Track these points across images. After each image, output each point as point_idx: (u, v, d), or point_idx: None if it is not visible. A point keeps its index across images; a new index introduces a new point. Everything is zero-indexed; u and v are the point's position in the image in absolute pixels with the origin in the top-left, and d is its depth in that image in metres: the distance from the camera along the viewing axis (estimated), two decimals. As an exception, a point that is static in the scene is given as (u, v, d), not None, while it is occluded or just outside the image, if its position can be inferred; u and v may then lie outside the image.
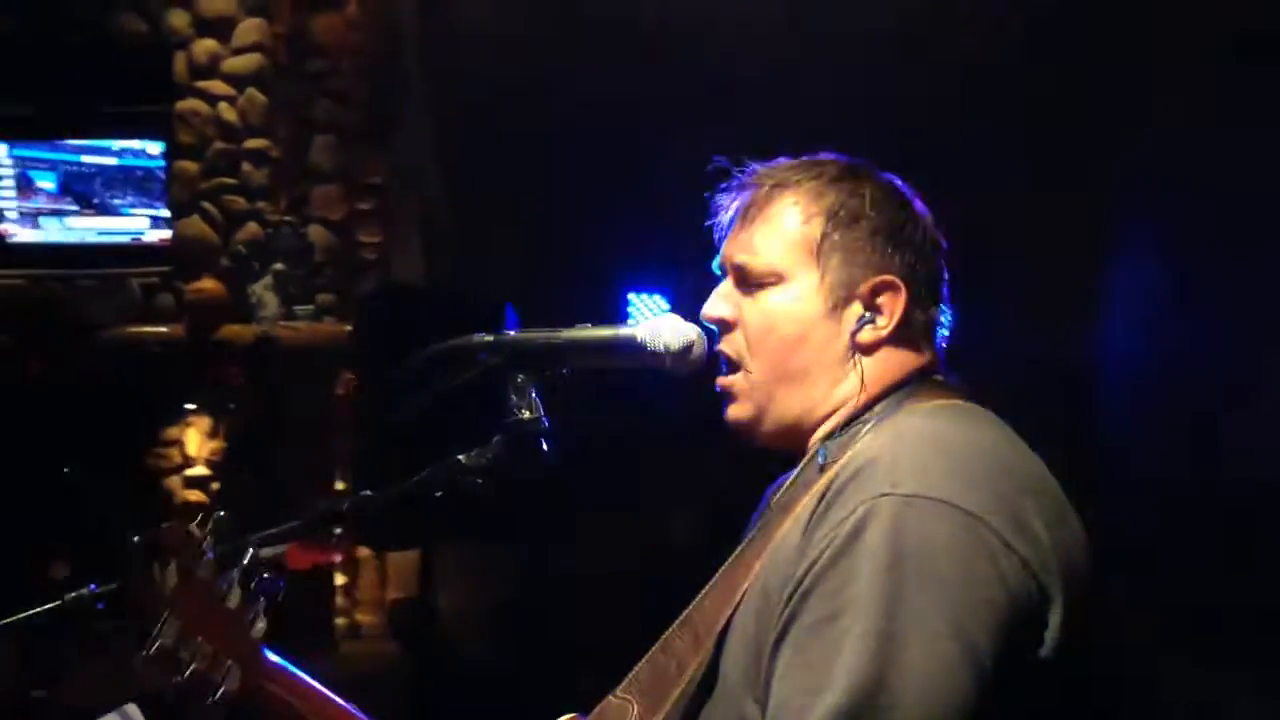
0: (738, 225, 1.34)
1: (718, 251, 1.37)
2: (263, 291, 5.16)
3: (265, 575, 1.19)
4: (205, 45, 5.25)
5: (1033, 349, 3.97)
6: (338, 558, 1.32)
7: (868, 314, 1.30)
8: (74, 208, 5.33)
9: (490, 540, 3.67)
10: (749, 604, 1.21)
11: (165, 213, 5.28)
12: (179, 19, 5.26)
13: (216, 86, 5.26)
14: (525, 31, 5.03)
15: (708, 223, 1.38)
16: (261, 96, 5.26)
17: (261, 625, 1.23)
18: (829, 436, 1.29)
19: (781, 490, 1.32)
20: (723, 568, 1.31)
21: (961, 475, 1.14)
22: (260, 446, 5.01)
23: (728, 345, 1.33)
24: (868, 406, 1.29)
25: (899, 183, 1.37)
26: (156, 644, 1.21)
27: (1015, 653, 1.09)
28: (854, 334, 1.29)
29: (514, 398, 1.23)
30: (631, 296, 4.22)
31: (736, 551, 1.31)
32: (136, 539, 1.18)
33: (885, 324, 1.30)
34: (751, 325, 1.31)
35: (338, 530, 1.23)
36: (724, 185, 1.37)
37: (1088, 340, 4.20)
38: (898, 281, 1.30)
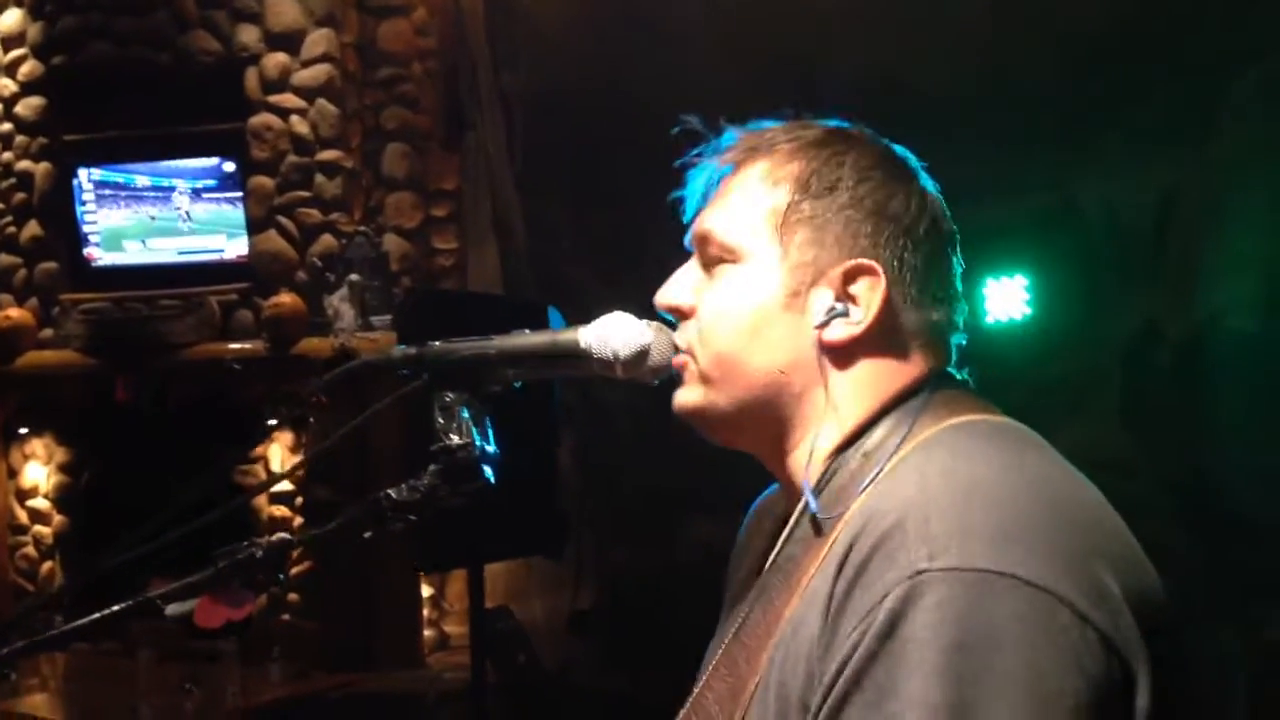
0: (711, 197, 1.11)
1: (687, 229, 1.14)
2: (339, 303, 5.12)
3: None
4: (275, 59, 5.24)
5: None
6: (250, 609, 1.17)
7: (839, 305, 1.03)
8: (154, 229, 5.36)
9: (546, 555, 3.53)
10: (762, 704, 0.98)
11: (242, 229, 5.28)
12: (249, 34, 5.26)
13: (288, 100, 5.25)
14: (596, 32, 4.92)
15: (676, 194, 1.14)
16: (332, 107, 5.23)
17: None
18: (820, 479, 1.03)
19: (778, 546, 1.06)
20: (718, 654, 1.07)
21: (1015, 532, 0.90)
22: (343, 460, 4.97)
23: (680, 336, 1.10)
24: (860, 431, 1.03)
25: (903, 154, 1.10)
26: None
27: None
28: (820, 327, 1.03)
29: (441, 420, 1.07)
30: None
31: (733, 628, 1.06)
32: None
33: (860, 319, 1.03)
34: (703, 312, 1.08)
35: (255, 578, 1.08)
36: (698, 150, 1.13)
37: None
38: (876, 267, 1.03)
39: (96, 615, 1.10)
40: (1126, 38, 3.85)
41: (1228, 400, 3.62)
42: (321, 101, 5.23)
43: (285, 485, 5.17)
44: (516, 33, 5.38)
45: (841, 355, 1.04)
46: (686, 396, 1.10)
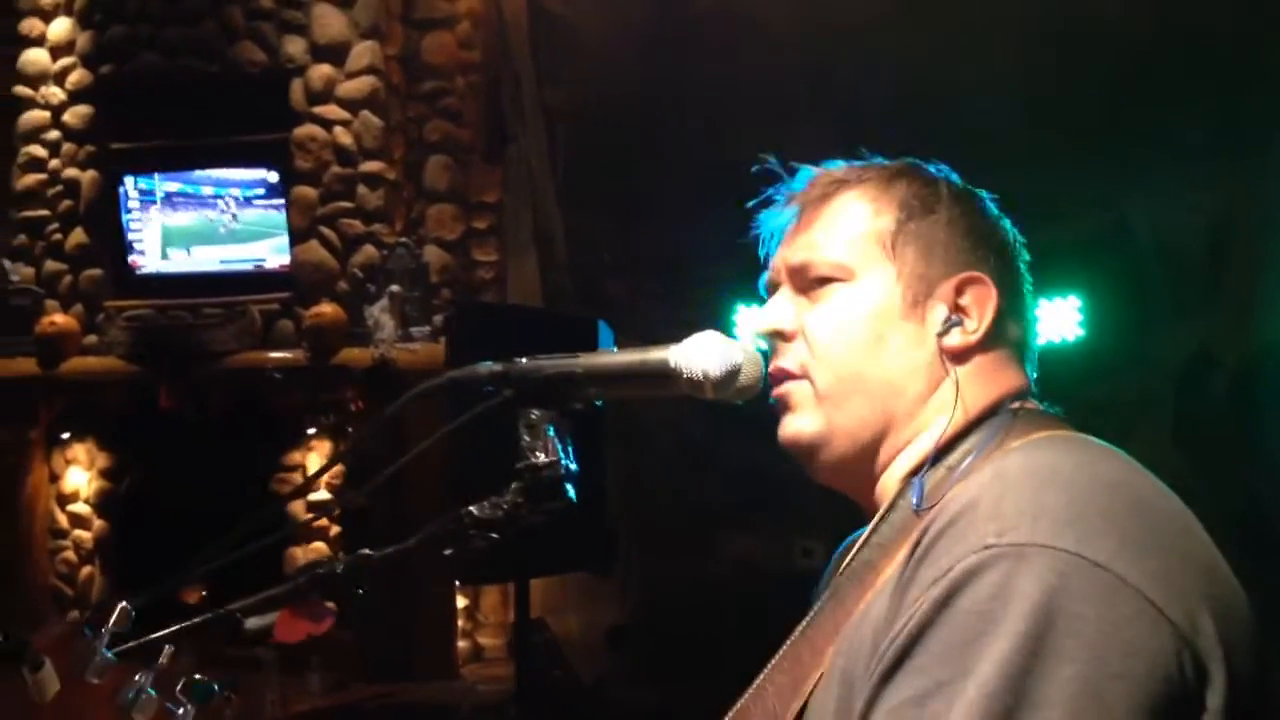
0: (792, 230, 1.13)
1: (765, 268, 1.16)
2: (380, 314, 5.14)
3: (197, 678, 1.01)
4: (321, 71, 5.28)
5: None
6: (329, 625, 1.17)
7: (954, 315, 1.07)
8: (199, 238, 5.40)
9: (593, 571, 3.52)
10: (824, 697, 0.98)
11: (285, 239, 5.31)
12: (295, 46, 5.30)
13: (332, 111, 5.28)
14: (638, 46, 4.93)
15: (752, 233, 1.16)
16: (375, 119, 5.26)
17: None
18: (914, 473, 1.04)
19: (853, 552, 1.06)
20: (782, 650, 1.06)
21: (1087, 516, 0.88)
22: (379, 469, 4.98)
23: (787, 359, 1.10)
24: (959, 435, 1.04)
25: (974, 190, 1.15)
26: None
27: None
28: (940, 335, 1.06)
29: (527, 438, 1.06)
30: (740, 308, 4.04)
31: (799, 630, 1.06)
32: (6, 638, 1.02)
33: (975, 327, 1.07)
34: (816, 331, 1.09)
35: (330, 604, 1.07)
36: (772, 189, 1.16)
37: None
38: (987, 279, 1.08)
39: (178, 626, 1.10)
40: (1177, 55, 3.83)
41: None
42: (365, 113, 5.26)
43: (322, 493, 5.19)
44: (559, 46, 5.40)
45: (956, 360, 1.07)
46: (801, 424, 1.10)
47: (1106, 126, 3.85)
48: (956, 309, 1.07)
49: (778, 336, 1.12)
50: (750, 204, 1.17)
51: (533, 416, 1.07)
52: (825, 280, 1.09)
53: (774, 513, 4.46)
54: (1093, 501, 0.90)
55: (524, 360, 1.10)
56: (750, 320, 3.99)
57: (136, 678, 1.01)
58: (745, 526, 4.77)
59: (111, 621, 1.04)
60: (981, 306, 1.07)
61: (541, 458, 1.06)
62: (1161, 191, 3.83)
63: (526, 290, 5.46)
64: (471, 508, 1.08)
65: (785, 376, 1.10)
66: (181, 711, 1.00)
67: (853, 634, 0.97)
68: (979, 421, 1.05)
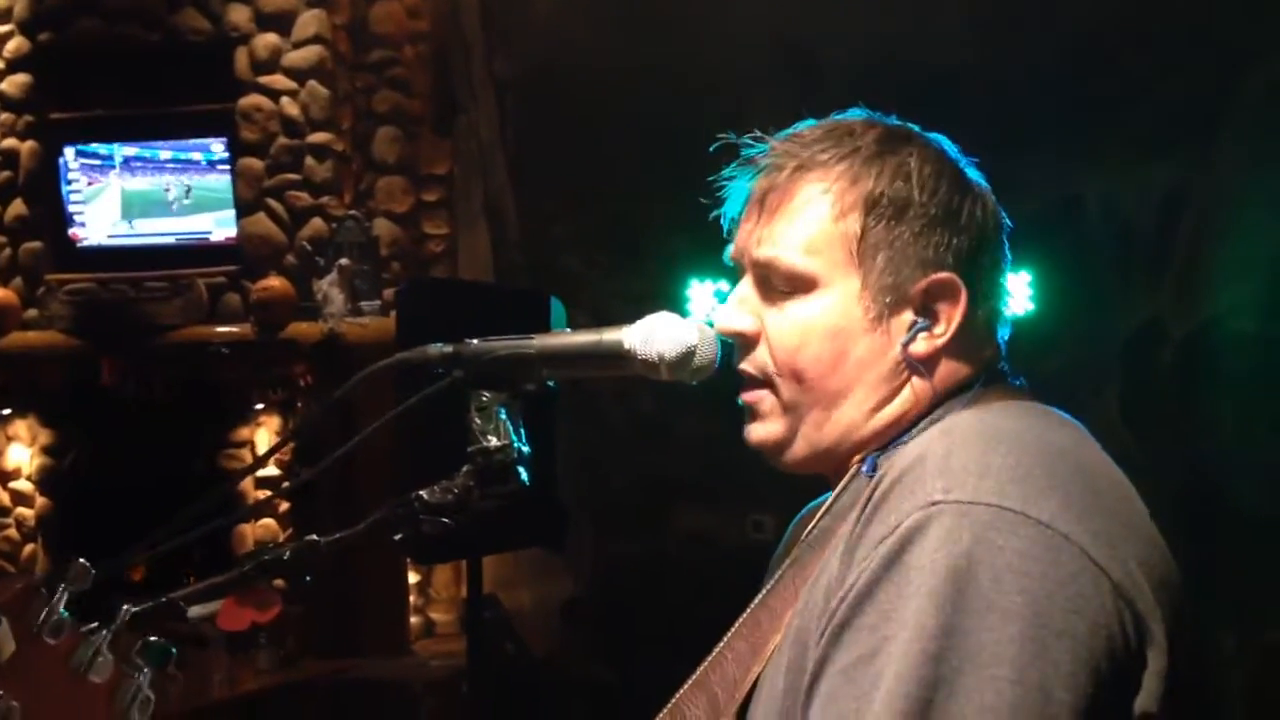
0: (754, 214, 1.10)
1: (729, 241, 1.13)
2: (328, 288, 5.07)
3: (152, 640, 0.98)
4: (266, 40, 5.18)
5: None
6: (275, 613, 1.14)
7: (921, 320, 1.06)
8: (141, 210, 5.30)
9: (545, 547, 3.51)
10: (778, 659, 1.00)
11: (231, 212, 5.22)
12: (239, 14, 5.19)
13: (278, 81, 5.18)
14: (590, 16, 4.88)
15: (716, 212, 1.13)
16: (323, 89, 5.17)
17: (146, 698, 0.98)
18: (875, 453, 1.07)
19: (814, 521, 1.08)
20: (742, 617, 1.07)
21: (1033, 477, 0.91)
22: (329, 447, 4.93)
23: (749, 363, 1.10)
24: (920, 418, 1.06)
25: (948, 147, 1.11)
26: None
27: (1105, 705, 0.86)
28: (906, 345, 1.05)
29: (478, 421, 1.04)
30: (694, 283, 4.02)
31: (758, 599, 1.07)
32: None
33: (943, 331, 1.06)
34: (777, 340, 1.08)
35: (278, 582, 1.05)
36: (736, 164, 1.12)
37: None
38: (956, 281, 1.06)
39: (122, 612, 1.07)
40: (1131, 35, 3.85)
41: (1228, 399, 3.63)
42: (312, 83, 5.17)
43: (271, 469, 5.13)
44: (510, 16, 5.33)
45: (924, 366, 1.07)
46: (768, 431, 1.10)
47: (1058, 102, 3.87)
48: (926, 313, 1.06)
49: (739, 338, 1.10)
50: (711, 178, 1.13)
51: (484, 398, 1.06)
52: (788, 289, 1.07)
53: (725, 486, 4.47)
54: (1038, 463, 0.93)
55: (475, 341, 1.08)
56: (708, 305, 3.99)
57: (92, 638, 0.99)
58: (697, 500, 4.78)
59: (68, 579, 1.01)
60: (950, 310, 1.06)
61: (493, 441, 1.04)
62: (1113, 167, 3.86)
63: (477, 264, 5.42)
64: (422, 492, 1.06)
65: (751, 383, 1.10)
66: (139, 677, 0.97)
67: (807, 595, 0.99)
68: (943, 401, 1.07)
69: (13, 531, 5.52)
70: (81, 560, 1.02)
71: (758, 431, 1.10)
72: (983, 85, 3.83)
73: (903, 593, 0.87)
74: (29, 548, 5.49)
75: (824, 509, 1.07)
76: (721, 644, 1.07)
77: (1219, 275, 3.79)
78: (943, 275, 1.05)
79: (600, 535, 4.93)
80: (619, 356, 1.08)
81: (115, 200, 5.31)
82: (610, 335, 1.08)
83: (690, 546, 4.76)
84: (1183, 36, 3.83)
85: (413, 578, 5.28)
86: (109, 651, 0.98)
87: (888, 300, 1.05)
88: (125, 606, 0.99)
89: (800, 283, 1.06)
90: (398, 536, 1.07)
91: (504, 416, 1.06)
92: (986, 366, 1.09)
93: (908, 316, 1.06)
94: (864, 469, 1.04)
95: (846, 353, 1.05)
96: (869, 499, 0.95)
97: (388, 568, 5.00)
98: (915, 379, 1.06)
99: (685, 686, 1.07)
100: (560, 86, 5.01)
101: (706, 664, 1.07)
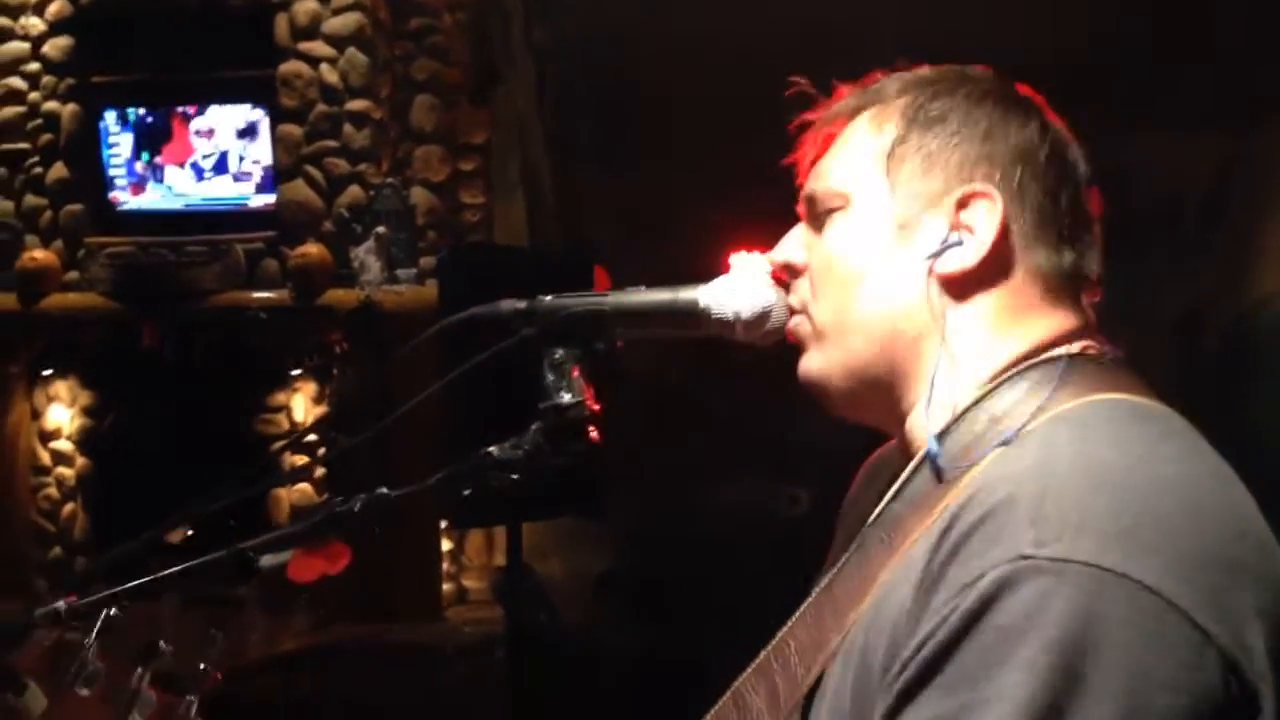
0: (811, 154, 1.06)
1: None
2: (365, 255, 5.09)
3: (202, 668, 0.97)
4: (306, 6, 5.18)
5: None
6: (345, 564, 1.15)
7: (953, 235, 0.95)
8: (182, 174, 5.32)
9: (582, 517, 3.52)
10: (844, 667, 0.94)
11: (270, 178, 5.23)
12: (280, -20, 5.19)
13: (317, 48, 5.19)
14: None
15: (786, 160, 1.08)
16: (362, 57, 5.17)
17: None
18: (943, 433, 0.93)
19: (884, 501, 0.98)
20: (807, 601, 1.00)
21: (1139, 529, 0.81)
22: (366, 413, 4.96)
23: (794, 295, 1.05)
24: (992, 383, 0.94)
25: (1027, 93, 1.02)
26: None
27: None
28: (933, 258, 0.95)
29: (551, 377, 1.04)
30: (734, 256, 3.99)
31: (825, 581, 1.00)
32: None
33: (976, 248, 0.95)
34: (815, 265, 1.02)
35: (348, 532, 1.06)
36: (806, 113, 1.07)
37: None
38: (992, 191, 0.94)
39: (190, 563, 1.09)
40: (1179, 9, 3.80)
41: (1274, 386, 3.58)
42: (352, 50, 5.17)
43: (309, 435, 5.16)
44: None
45: (958, 291, 0.96)
46: (807, 362, 1.04)
47: (1106, 75, 3.82)
48: (960, 226, 0.95)
49: (788, 270, 1.07)
50: (788, 126, 1.08)
51: (557, 356, 1.06)
52: (827, 210, 1.03)
53: (762, 461, 4.47)
54: (1145, 512, 0.83)
55: (548, 298, 1.08)
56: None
57: (135, 673, 0.99)
58: (732, 472, 4.78)
59: (97, 628, 1.01)
60: (987, 223, 0.94)
61: (567, 398, 1.04)
62: (1160, 147, 3.80)
63: (513, 233, 5.42)
64: (492, 448, 1.06)
65: (793, 312, 1.06)
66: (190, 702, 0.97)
67: (875, 611, 0.92)
68: (1022, 368, 0.94)
69: (53, 490, 5.59)
70: (113, 611, 1.01)
71: (801, 364, 1.04)
72: (1026, 57, 3.78)
73: (988, 659, 0.80)
74: (69, 507, 5.56)
75: (892, 491, 0.98)
76: (784, 630, 1.02)
77: (1266, 258, 3.73)
78: (976, 186, 0.96)
79: (634, 505, 4.94)
80: (694, 315, 1.07)
81: (155, 164, 5.34)
82: (686, 293, 1.07)
83: (726, 521, 4.76)
84: (1233, 12, 3.77)
85: (445, 545, 5.31)
86: (96, 661, 0.98)
87: (915, 210, 0.97)
88: (106, 610, 0.98)
89: (835, 200, 1.01)
90: (466, 492, 1.07)
91: (577, 375, 1.06)
92: (1073, 333, 0.96)
93: (937, 230, 0.96)
94: (930, 450, 0.93)
95: (872, 269, 0.98)
96: (950, 526, 0.86)
97: (422, 534, 5.03)
98: (951, 310, 0.95)
99: (747, 672, 1.02)
100: (598, 56, 4.98)
101: (770, 650, 1.02)
